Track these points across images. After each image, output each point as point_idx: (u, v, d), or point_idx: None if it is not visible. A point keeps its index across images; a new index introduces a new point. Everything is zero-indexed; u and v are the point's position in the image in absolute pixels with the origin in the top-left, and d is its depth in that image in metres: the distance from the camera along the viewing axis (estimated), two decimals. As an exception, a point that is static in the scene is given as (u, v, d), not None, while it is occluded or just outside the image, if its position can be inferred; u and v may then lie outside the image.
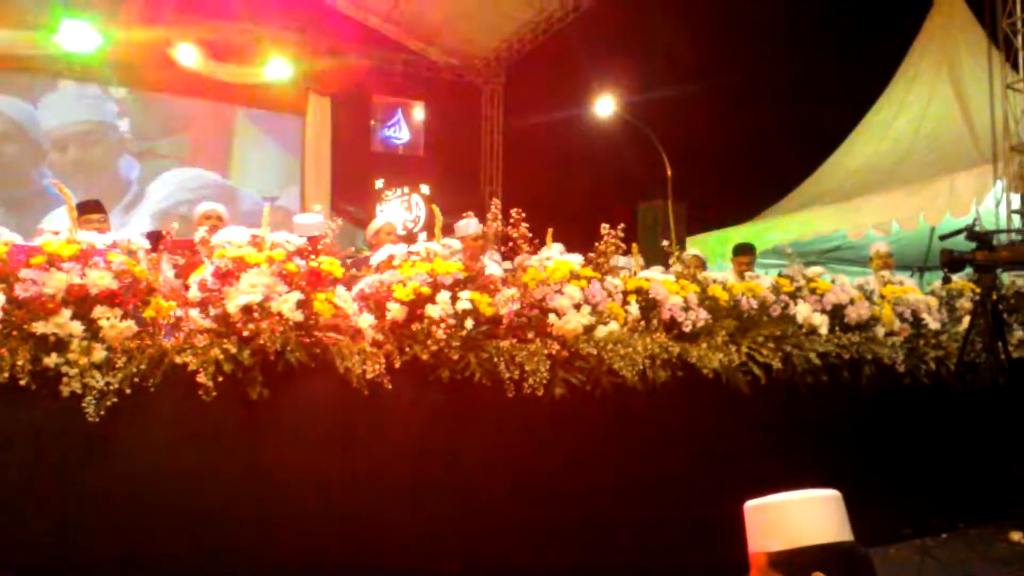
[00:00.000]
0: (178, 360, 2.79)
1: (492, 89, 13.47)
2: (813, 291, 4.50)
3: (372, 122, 12.68)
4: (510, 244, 3.97)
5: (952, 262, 4.29)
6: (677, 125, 11.88)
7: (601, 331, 3.59)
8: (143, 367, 2.73)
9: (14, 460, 2.57)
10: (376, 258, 3.57)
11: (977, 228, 4.40)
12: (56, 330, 2.65)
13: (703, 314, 3.96)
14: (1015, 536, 4.24)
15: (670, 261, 4.72)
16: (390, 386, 3.06)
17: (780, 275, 4.74)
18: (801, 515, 1.79)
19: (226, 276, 2.99)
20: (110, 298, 2.76)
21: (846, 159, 10.18)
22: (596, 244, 4.05)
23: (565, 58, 12.85)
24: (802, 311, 4.33)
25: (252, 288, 2.94)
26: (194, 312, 3.00)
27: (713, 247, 9.64)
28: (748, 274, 5.25)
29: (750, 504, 1.96)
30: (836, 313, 4.45)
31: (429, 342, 3.19)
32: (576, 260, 3.79)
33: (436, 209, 3.81)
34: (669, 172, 10.58)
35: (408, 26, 12.33)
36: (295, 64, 11.09)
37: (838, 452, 4.09)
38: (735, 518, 3.00)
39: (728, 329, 4.00)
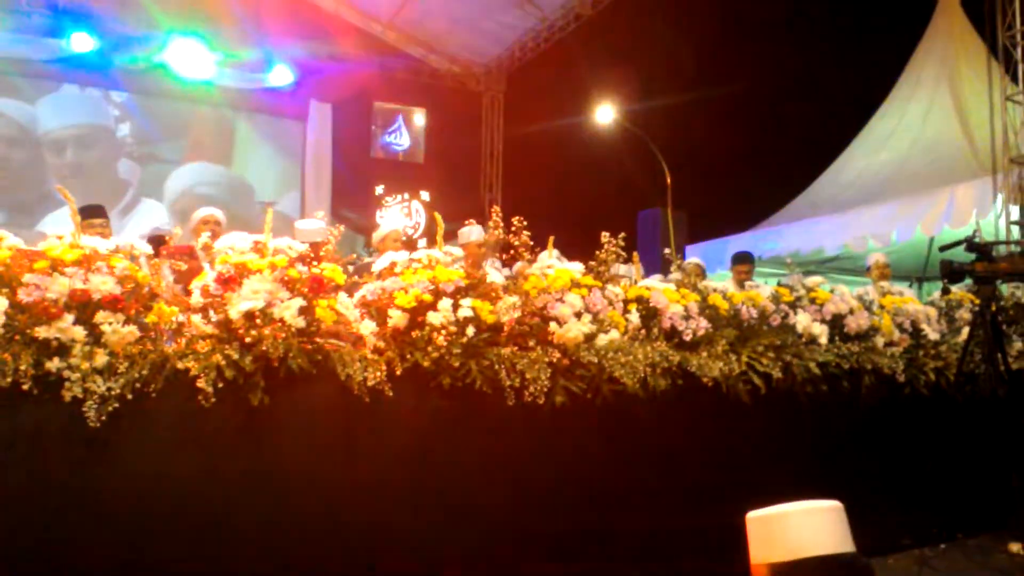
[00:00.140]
0: (180, 366, 2.79)
1: (493, 96, 13.50)
2: (813, 301, 4.51)
3: (373, 128, 12.70)
4: (511, 251, 3.98)
5: (952, 273, 4.30)
6: (677, 133, 11.91)
7: (602, 339, 3.59)
8: (145, 372, 2.73)
9: (16, 464, 2.57)
10: (378, 265, 3.58)
11: (977, 239, 4.41)
12: (59, 335, 2.65)
13: (703, 323, 3.96)
14: (1014, 547, 4.24)
15: (671, 269, 4.72)
16: (391, 393, 3.06)
17: (780, 284, 4.75)
18: (803, 526, 1.79)
19: (228, 282, 2.99)
20: (113, 303, 2.76)
21: (845, 169, 10.21)
22: (597, 252, 4.06)
23: (566, 66, 12.90)
24: (802, 321, 4.34)
25: (254, 294, 2.95)
26: (196, 318, 3.00)
27: (712, 256, 9.65)
28: (748, 283, 5.26)
29: (752, 515, 1.97)
30: (836, 323, 4.46)
31: (430, 349, 3.19)
32: (577, 268, 3.80)
33: (438, 216, 3.82)
34: (669, 180, 10.61)
35: (410, 33, 12.37)
36: (297, 70, 11.12)
37: (838, 462, 4.10)
38: (736, 527, 3.01)
39: (728, 338, 4.00)
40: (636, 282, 4.28)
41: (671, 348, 3.80)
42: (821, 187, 10.32)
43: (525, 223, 3.92)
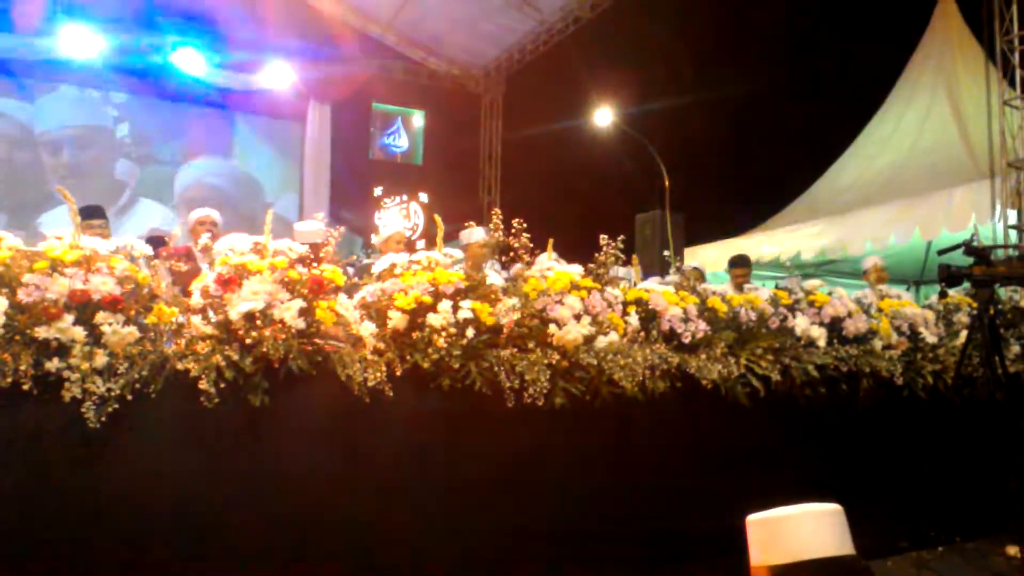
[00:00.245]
0: (180, 366, 2.79)
1: (491, 99, 13.51)
2: (811, 304, 4.52)
3: (371, 130, 12.71)
4: (511, 254, 3.98)
5: (950, 277, 4.31)
6: (675, 136, 11.93)
7: (601, 341, 3.59)
8: (145, 373, 2.74)
9: (15, 463, 2.57)
10: (378, 266, 3.58)
11: (975, 243, 4.42)
12: (58, 335, 2.65)
13: (702, 325, 3.97)
14: (1011, 550, 4.24)
15: (669, 271, 4.73)
16: (391, 394, 3.06)
17: (778, 287, 4.76)
18: (803, 529, 1.79)
19: (228, 283, 2.99)
20: (113, 304, 2.76)
21: (843, 173, 10.23)
22: (596, 255, 4.07)
23: (564, 69, 12.91)
24: (800, 324, 4.35)
25: (254, 295, 2.95)
26: (196, 319, 3.00)
27: (710, 259, 9.67)
28: (747, 286, 5.26)
29: (752, 518, 1.97)
30: (834, 326, 4.46)
31: (430, 351, 3.20)
32: (576, 271, 3.80)
33: (438, 218, 3.82)
34: (667, 183, 10.62)
35: (409, 35, 12.38)
36: (295, 71, 11.13)
37: (836, 465, 4.10)
38: (735, 529, 3.01)
39: (727, 341, 4.01)
40: (635, 284, 4.28)
41: (670, 350, 3.81)
42: (819, 191, 10.34)
43: (525, 225, 3.92)
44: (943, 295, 4.73)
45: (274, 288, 2.99)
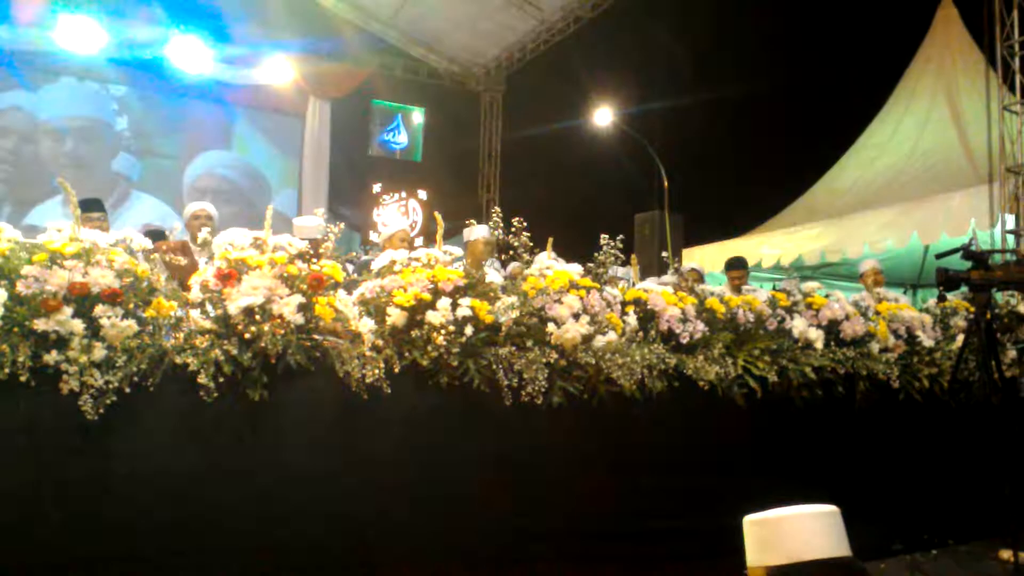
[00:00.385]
0: (178, 360, 2.79)
1: (491, 97, 13.51)
2: (809, 306, 4.52)
3: (371, 126, 12.70)
4: (510, 252, 3.98)
5: (948, 281, 4.32)
6: (674, 137, 11.94)
7: (599, 341, 3.60)
8: (143, 366, 2.73)
9: (12, 456, 2.57)
10: (378, 263, 3.58)
11: (973, 247, 4.43)
12: (57, 327, 2.64)
13: (700, 326, 3.97)
14: (1004, 554, 4.25)
15: (668, 271, 4.73)
16: (389, 391, 3.06)
17: (776, 289, 4.76)
18: (800, 530, 1.80)
19: (228, 278, 2.99)
20: (112, 297, 2.76)
21: (842, 175, 10.25)
22: (595, 254, 4.07)
23: (565, 68, 12.91)
24: (798, 325, 4.35)
25: (254, 290, 2.95)
26: (195, 313, 3.00)
27: (708, 260, 9.68)
28: (745, 288, 5.27)
29: (749, 518, 1.97)
30: (832, 328, 4.47)
31: (429, 348, 3.20)
32: (575, 270, 3.81)
33: (438, 216, 3.82)
34: (666, 183, 10.63)
35: (409, 32, 12.38)
36: (296, 66, 11.11)
37: (831, 466, 4.11)
38: (732, 530, 3.02)
39: (725, 342, 4.01)
40: (634, 284, 4.29)
41: (668, 350, 3.81)
42: (818, 193, 10.35)
43: (524, 224, 3.92)
44: (941, 299, 4.74)
45: (273, 283, 2.99)
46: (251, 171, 11.50)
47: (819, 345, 4.35)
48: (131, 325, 2.77)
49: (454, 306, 3.29)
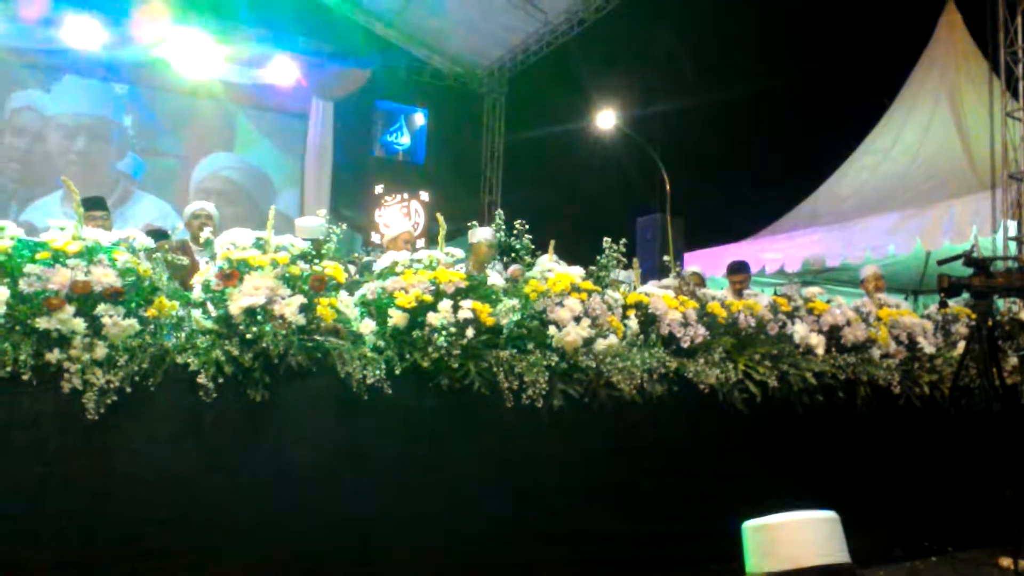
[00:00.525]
0: (179, 360, 2.79)
1: (494, 98, 13.52)
2: (811, 311, 4.52)
3: (374, 127, 12.71)
4: (512, 254, 3.98)
5: (950, 287, 4.31)
6: (676, 140, 11.96)
7: (600, 344, 3.60)
8: (144, 366, 2.74)
9: (14, 453, 2.57)
10: (380, 264, 3.58)
11: (974, 254, 4.43)
12: (59, 326, 2.65)
13: (701, 330, 3.97)
14: (1004, 562, 4.24)
15: (670, 275, 4.72)
16: (390, 392, 3.06)
17: (777, 294, 4.76)
18: (800, 536, 1.80)
19: (229, 278, 2.99)
20: (114, 296, 2.76)
21: (844, 181, 10.24)
22: (597, 257, 4.07)
23: (568, 70, 12.93)
24: (799, 331, 4.35)
25: (255, 290, 2.95)
26: (197, 312, 3.00)
27: (709, 264, 9.67)
28: (747, 292, 5.27)
29: (748, 524, 1.98)
30: (833, 334, 4.47)
31: (430, 350, 3.20)
32: (577, 272, 3.81)
33: (440, 217, 3.82)
34: (668, 187, 10.63)
35: (413, 33, 12.38)
36: (299, 66, 11.12)
37: (832, 472, 4.11)
38: (731, 535, 3.02)
39: (725, 346, 4.01)
40: (635, 288, 4.29)
41: (669, 354, 3.81)
42: (820, 198, 10.35)
43: (527, 226, 3.93)
44: (942, 305, 4.73)
45: (275, 284, 2.99)
46: (256, 172, 11.52)
47: (820, 350, 4.35)
48: (133, 324, 2.78)
49: (455, 308, 3.29)
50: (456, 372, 3.22)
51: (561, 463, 3.48)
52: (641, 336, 3.88)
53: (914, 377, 4.59)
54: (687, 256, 10.07)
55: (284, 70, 11.04)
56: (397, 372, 3.13)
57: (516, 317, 3.54)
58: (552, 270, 3.78)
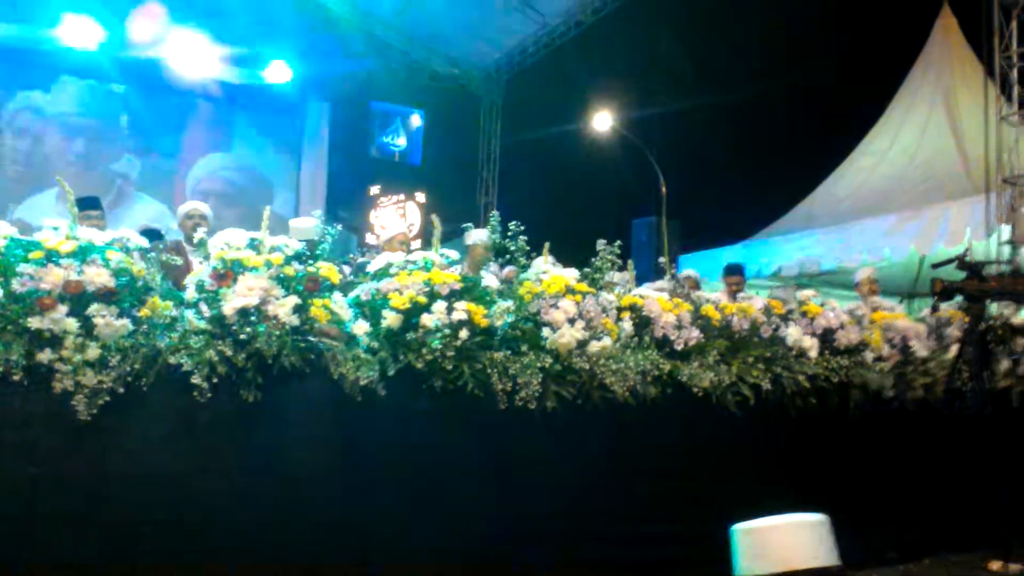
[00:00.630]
0: (172, 360, 2.79)
1: (491, 100, 13.51)
2: (804, 314, 4.53)
3: (370, 128, 12.70)
4: (507, 256, 3.99)
5: (943, 291, 4.33)
6: (673, 142, 11.97)
7: (594, 346, 3.60)
8: (137, 366, 2.73)
9: (4, 455, 2.56)
10: (375, 265, 3.58)
11: (968, 258, 4.44)
12: (51, 326, 2.64)
13: (695, 333, 3.98)
14: (995, 565, 4.25)
15: (665, 277, 4.73)
16: (383, 393, 3.06)
17: (772, 297, 4.77)
18: (789, 539, 1.81)
19: (223, 278, 2.99)
20: (107, 296, 2.76)
21: (842, 182, 10.24)
22: (592, 259, 4.07)
23: (565, 72, 12.93)
24: (793, 334, 4.35)
25: (249, 291, 2.95)
26: (190, 313, 3.00)
27: (705, 266, 9.68)
28: (740, 295, 5.28)
29: (738, 527, 1.98)
30: (826, 337, 4.47)
31: (424, 351, 3.20)
32: (572, 274, 3.81)
33: (435, 219, 3.82)
34: (664, 189, 10.64)
35: (410, 34, 12.37)
36: (296, 67, 11.11)
37: (825, 475, 4.11)
38: (722, 537, 3.03)
39: (719, 349, 4.02)
40: (630, 290, 4.29)
41: (662, 357, 3.82)
42: (817, 199, 10.35)
43: (523, 228, 3.93)
44: (935, 309, 4.75)
45: (269, 284, 2.99)
46: (252, 173, 11.50)
47: (813, 353, 4.36)
48: (125, 324, 2.77)
49: (450, 309, 3.29)
50: (450, 374, 3.22)
51: (555, 464, 3.48)
52: (635, 338, 3.88)
53: (907, 380, 4.60)
54: (683, 258, 10.07)
55: (281, 71, 11.02)
56: (391, 373, 3.13)
57: (510, 319, 3.54)
58: (547, 272, 3.78)
